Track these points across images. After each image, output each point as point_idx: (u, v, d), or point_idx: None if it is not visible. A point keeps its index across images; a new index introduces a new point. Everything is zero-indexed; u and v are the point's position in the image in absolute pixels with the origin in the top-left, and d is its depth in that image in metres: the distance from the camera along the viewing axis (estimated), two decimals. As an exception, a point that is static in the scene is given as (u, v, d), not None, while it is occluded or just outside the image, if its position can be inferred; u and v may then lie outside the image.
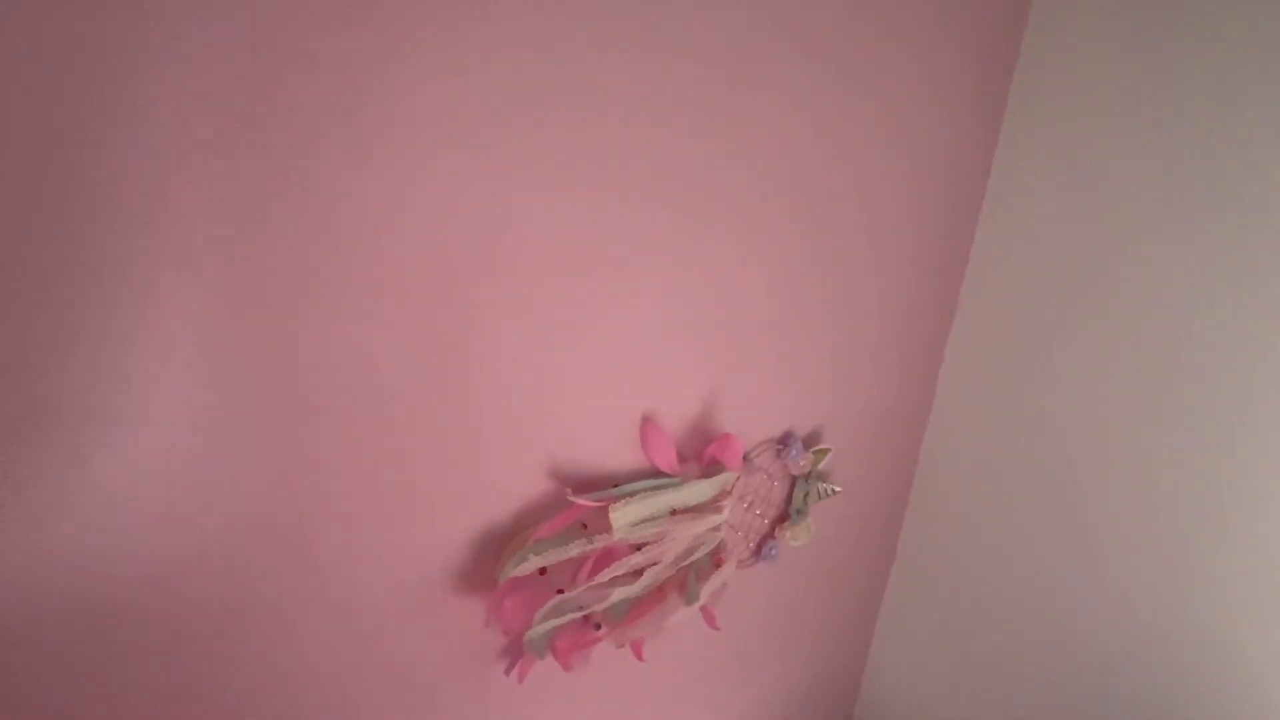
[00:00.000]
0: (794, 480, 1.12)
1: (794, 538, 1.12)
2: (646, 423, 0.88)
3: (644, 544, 0.87)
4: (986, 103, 1.10)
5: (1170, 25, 0.96)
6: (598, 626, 0.89)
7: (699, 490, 0.89)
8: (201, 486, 0.61)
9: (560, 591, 0.83)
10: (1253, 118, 0.91)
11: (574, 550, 0.80)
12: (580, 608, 0.84)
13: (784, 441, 1.06)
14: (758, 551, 1.12)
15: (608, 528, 0.81)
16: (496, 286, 0.70)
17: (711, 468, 0.93)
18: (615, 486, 0.84)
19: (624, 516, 0.82)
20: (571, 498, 0.79)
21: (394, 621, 0.78)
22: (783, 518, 1.13)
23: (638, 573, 0.87)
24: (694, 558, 0.93)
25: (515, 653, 0.89)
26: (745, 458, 1.00)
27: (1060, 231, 1.11)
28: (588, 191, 0.73)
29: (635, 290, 0.81)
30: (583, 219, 0.73)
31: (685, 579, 0.95)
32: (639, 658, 0.97)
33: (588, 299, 0.77)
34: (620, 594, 0.85)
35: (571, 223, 0.73)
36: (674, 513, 0.89)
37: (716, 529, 0.94)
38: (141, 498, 0.58)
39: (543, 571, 0.82)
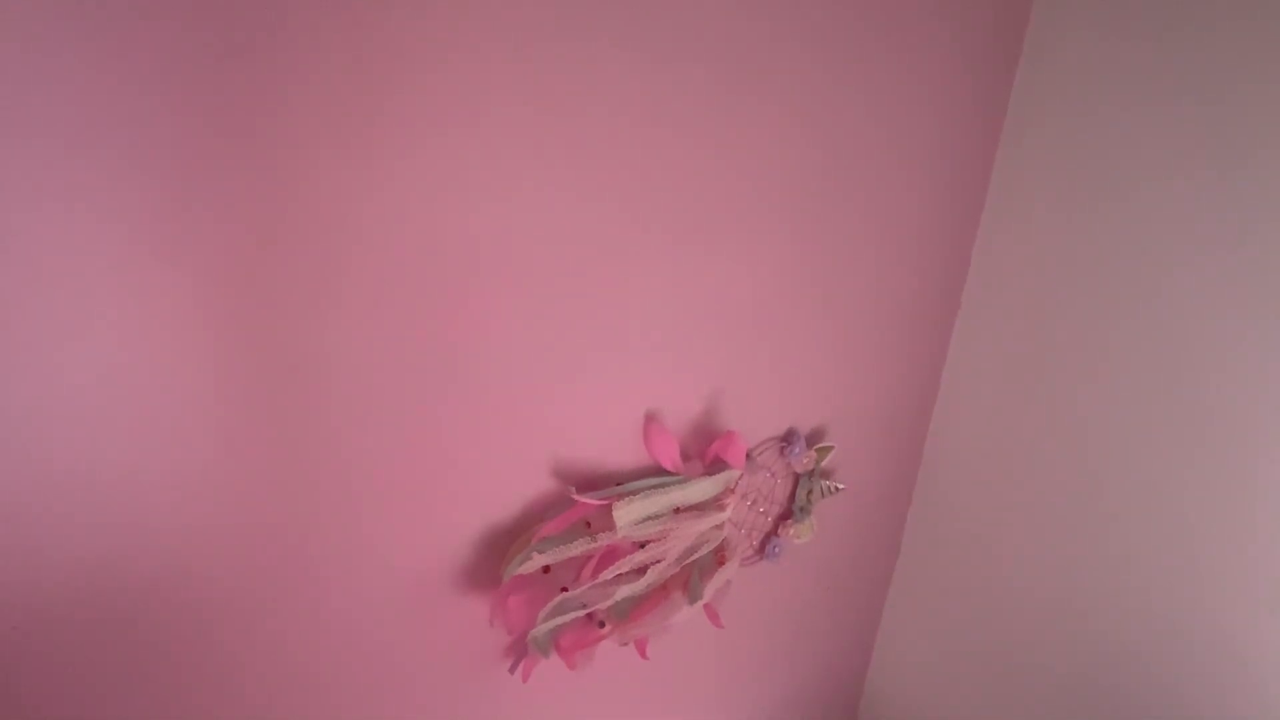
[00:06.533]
0: (797, 478, 1.12)
1: (797, 535, 1.12)
2: (650, 421, 0.88)
3: (647, 542, 0.87)
4: (989, 99, 1.09)
5: (1175, 22, 0.95)
6: (601, 625, 0.89)
7: (702, 488, 0.89)
8: (204, 488, 0.61)
9: (564, 590, 0.83)
10: (1260, 116, 0.91)
11: (578, 548, 0.80)
12: (584, 606, 0.84)
13: (787, 439, 1.06)
14: (761, 549, 1.12)
15: (611, 526, 0.81)
16: (500, 286, 0.70)
17: (715, 466, 0.93)
18: (618, 485, 0.84)
19: (627, 514, 0.82)
20: (575, 496, 0.79)
21: (398, 620, 0.78)
22: (786, 515, 1.13)
23: (641, 571, 0.87)
24: (697, 556, 0.93)
25: (519, 651, 0.89)
26: (748, 455, 1.00)
27: (1063, 227, 1.10)
28: (591, 192, 0.73)
29: (638, 289, 0.81)
30: (585, 219, 0.73)
31: (689, 577, 0.95)
32: (643, 656, 0.97)
33: (591, 298, 0.77)
34: (624, 592, 0.85)
35: (574, 223, 0.73)
36: (677, 511, 0.89)
37: (720, 527, 0.94)
38: (143, 498, 0.58)
39: (546, 570, 0.82)
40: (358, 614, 0.75)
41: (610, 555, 0.85)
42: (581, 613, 0.84)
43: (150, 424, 0.56)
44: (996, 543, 1.30)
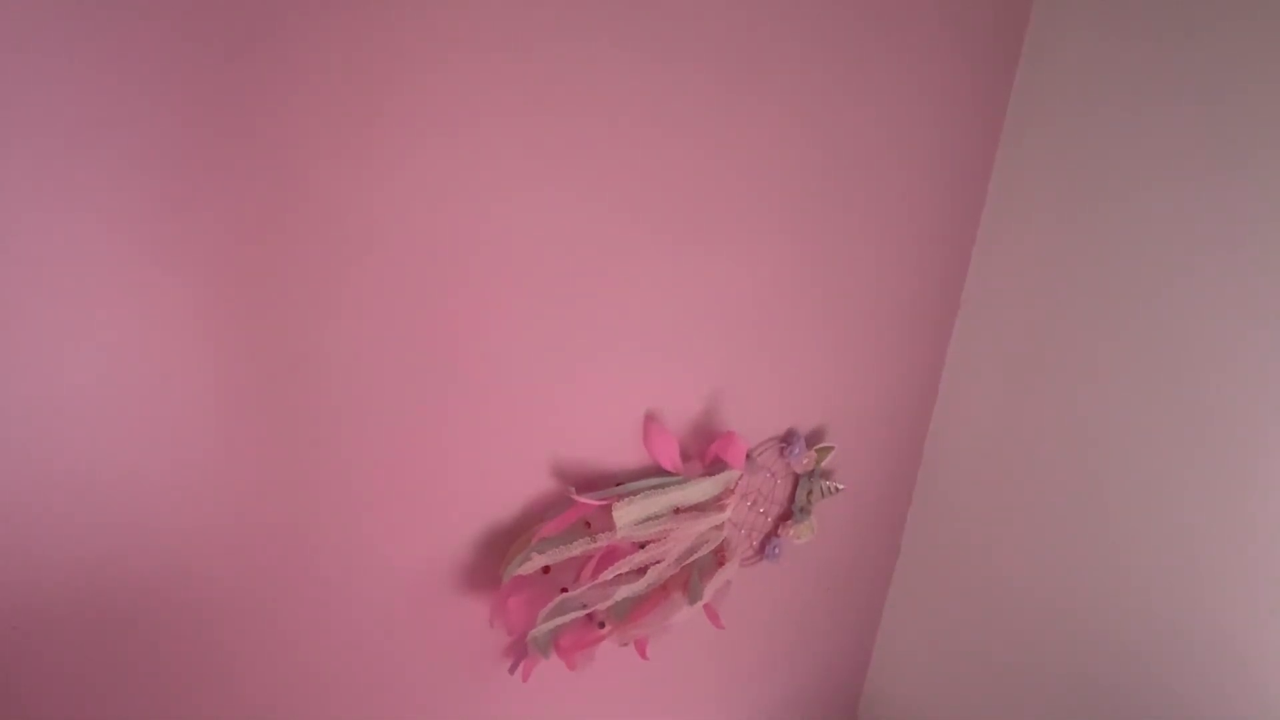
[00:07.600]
0: (797, 478, 1.12)
1: (797, 536, 1.12)
2: (650, 421, 0.88)
3: (647, 542, 0.87)
4: (989, 99, 1.09)
5: (1175, 22, 0.95)
6: (601, 625, 0.89)
7: (702, 488, 0.89)
8: (204, 488, 0.61)
9: (564, 590, 0.83)
10: (1260, 116, 0.91)
11: (577, 549, 0.80)
12: (584, 606, 0.84)
13: (787, 439, 1.06)
14: (761, 550, 1.12)
15: (611, 526, 0.81)
16: (500, 286, 0.70)
17: (715, 466, 0.93)
18: (618, 485, 0.84)
19: (627, 515, 0.82)
20: (575, 496, 0.79)
21: (398, 621, 0.78)
22: (786, 516, 1.13)
23: (641, 571, 0.87)
24: (697, 556, 0.93)
25: (519, 652, 0.89)
26: (748, 456, 1.00)
27: (1063, 227, 1.10)
28: (590, 192, 0.73)
29: (638, 289, 0.81)
30: (585, 219, 0.73)
31: (688, 577, 0.95)
32: (643, 656, 0.97)
33: (591, 298, 0.77)
34: (624, 592, 0.85)
35: (573, 223, 0.73)
36: (677, 511, 0.89)
37: (720, 527, 0.94)
38: (143, 498, 0.58)
39: (546, 570, 0.82)
40: (358, 614, 0.75)
41: (610, 555, 0.85)
42: (581, 613, 0.84)
43: (150, 424, 0.56)
44: (996, 543, 1.30)
